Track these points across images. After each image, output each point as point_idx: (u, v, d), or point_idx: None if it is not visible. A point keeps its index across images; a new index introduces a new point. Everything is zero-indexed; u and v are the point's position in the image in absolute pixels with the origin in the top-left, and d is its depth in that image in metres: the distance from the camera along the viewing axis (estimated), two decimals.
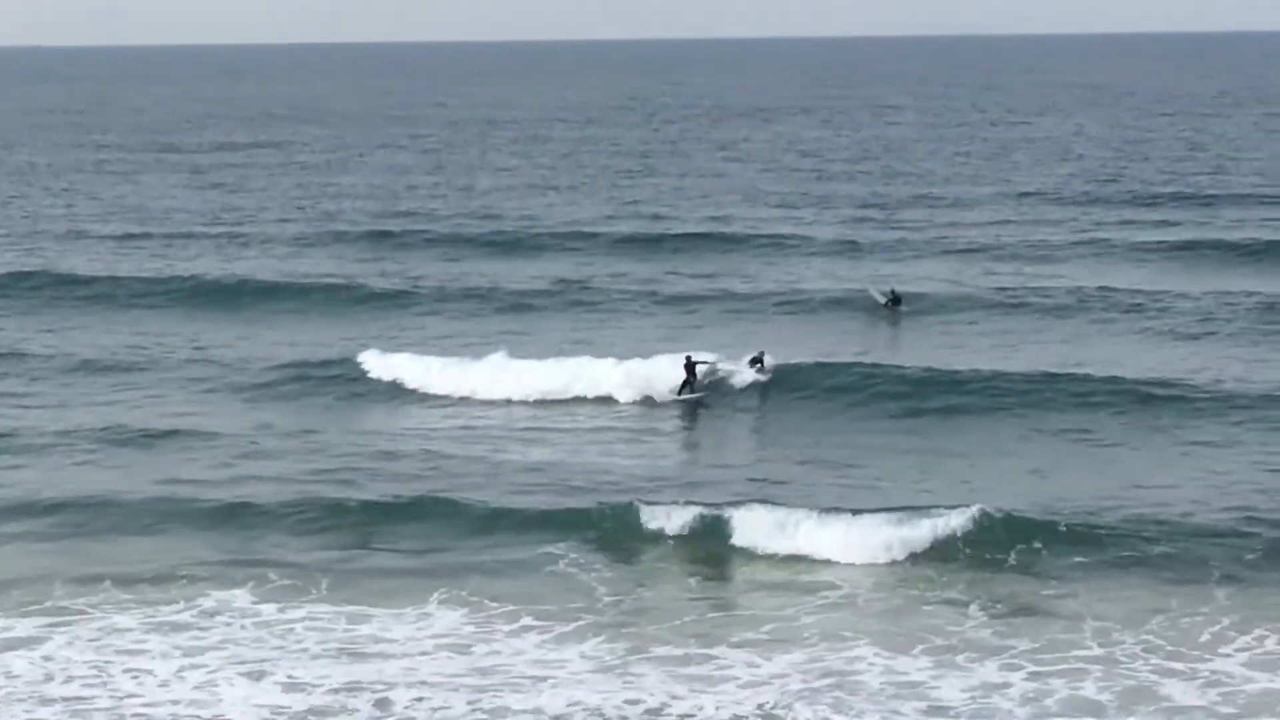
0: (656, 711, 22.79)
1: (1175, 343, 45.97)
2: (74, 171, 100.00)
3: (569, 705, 22.97)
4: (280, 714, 22.97)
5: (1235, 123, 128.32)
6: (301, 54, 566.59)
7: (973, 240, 64.64)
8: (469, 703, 23.17)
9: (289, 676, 24.11)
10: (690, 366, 40.62)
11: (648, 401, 40.39)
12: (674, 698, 23.26)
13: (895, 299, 51.93)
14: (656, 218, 72.75)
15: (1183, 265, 58.60)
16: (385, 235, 68.33)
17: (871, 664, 24.45)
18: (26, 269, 59.40)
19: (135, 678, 24.34)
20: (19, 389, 42.86)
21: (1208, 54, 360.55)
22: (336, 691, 23.48)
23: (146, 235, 69.61)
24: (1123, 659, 24.57)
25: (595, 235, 67.06)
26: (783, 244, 64.64)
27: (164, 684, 24.11)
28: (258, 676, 24.19)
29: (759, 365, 41.78)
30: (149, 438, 37.30)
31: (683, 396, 40.32)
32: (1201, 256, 59.99)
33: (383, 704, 23.15)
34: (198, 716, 23.02)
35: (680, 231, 67.65)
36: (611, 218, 73.28)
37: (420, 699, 23.30)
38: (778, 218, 72.64)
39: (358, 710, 22.97)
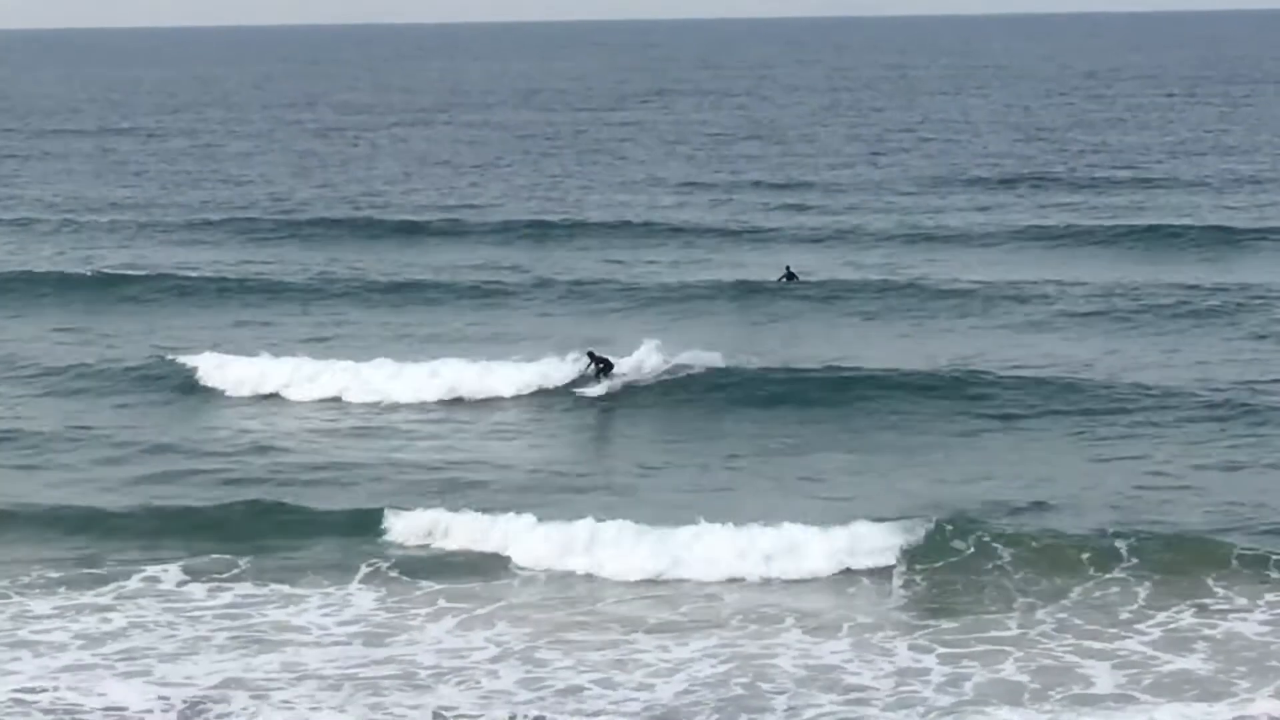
0: None
1: (1075, 332, 46.24)
2: None
3: None
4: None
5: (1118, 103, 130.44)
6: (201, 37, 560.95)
7: (860, 226, 65.25)
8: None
9: None
10: (597, 359, 40.15)
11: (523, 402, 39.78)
12: None
13: (790, 275, 52.67)
14: (548, 203, 72.93)
15: (1079, 251, 59.21)
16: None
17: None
18: None
19: None
20: None
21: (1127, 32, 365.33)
22: None
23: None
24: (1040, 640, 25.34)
25: (483, 224, 66.95)
26: (671, 231, 64.76)
27: None
28: None
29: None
30: None
31: (595, 391, 39.64)
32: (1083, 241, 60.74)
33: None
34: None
35: (573, 219, 67.58)
36: (504, 203, 73.40)
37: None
38: (670, 205, 73.01)
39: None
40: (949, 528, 28.92)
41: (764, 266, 55.69)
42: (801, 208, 71.60)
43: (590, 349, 40.85)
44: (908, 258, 58.59)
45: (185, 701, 23.79)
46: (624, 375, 40.03)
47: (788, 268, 53.41)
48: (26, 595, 28.00)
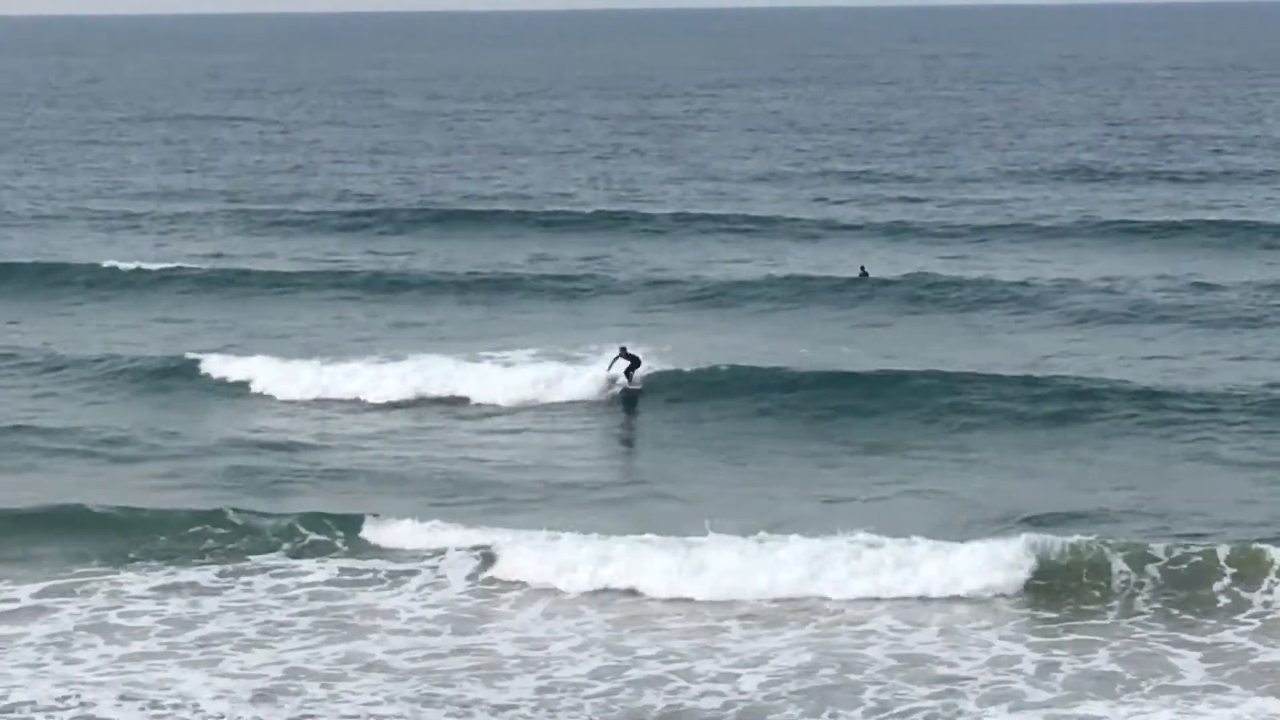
0: None
1: (1155, 331, 45.86)
2: None
3: None
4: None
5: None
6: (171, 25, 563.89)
7: (936, 219, 65.20)
8: None
9: None
10: (628, 356, 39.59)
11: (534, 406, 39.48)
12: None
13: (864, 273, 52.72)
14: (616, 199, 73.05)
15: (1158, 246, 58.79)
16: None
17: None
18: None
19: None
20: None
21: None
22: None
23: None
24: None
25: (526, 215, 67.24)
26: (746, 223, 64.77)
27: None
28: None
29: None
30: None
31: (629, 385, 39.34)
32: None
33: None
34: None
35: (644, 211, 67.67)
36: (566, 195, 73.77)
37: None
38: (743, 196, 73.03)
39: None
40: (1046, 534, 28.64)
41: (839, 262, 55.59)
42: (878, 200, 71.57)
43: (623, 344, 40.38)
44: (981, 251, 58.51)
45: (252, 692, 24.14)
46: (645, 374, 39.54)
47: (862, 266, 53.41)
48: (121, 579, 28.58)
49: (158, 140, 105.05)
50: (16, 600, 27.78)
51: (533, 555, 28.29)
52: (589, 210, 68.19)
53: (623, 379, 39.39)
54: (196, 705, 23.67)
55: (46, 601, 27.68)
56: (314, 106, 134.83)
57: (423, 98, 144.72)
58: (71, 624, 26.64)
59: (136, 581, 28.47)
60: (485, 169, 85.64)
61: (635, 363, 39.43)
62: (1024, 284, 51.18)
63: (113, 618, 26.88)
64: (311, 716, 23.41)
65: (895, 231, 63.08)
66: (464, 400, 39.77)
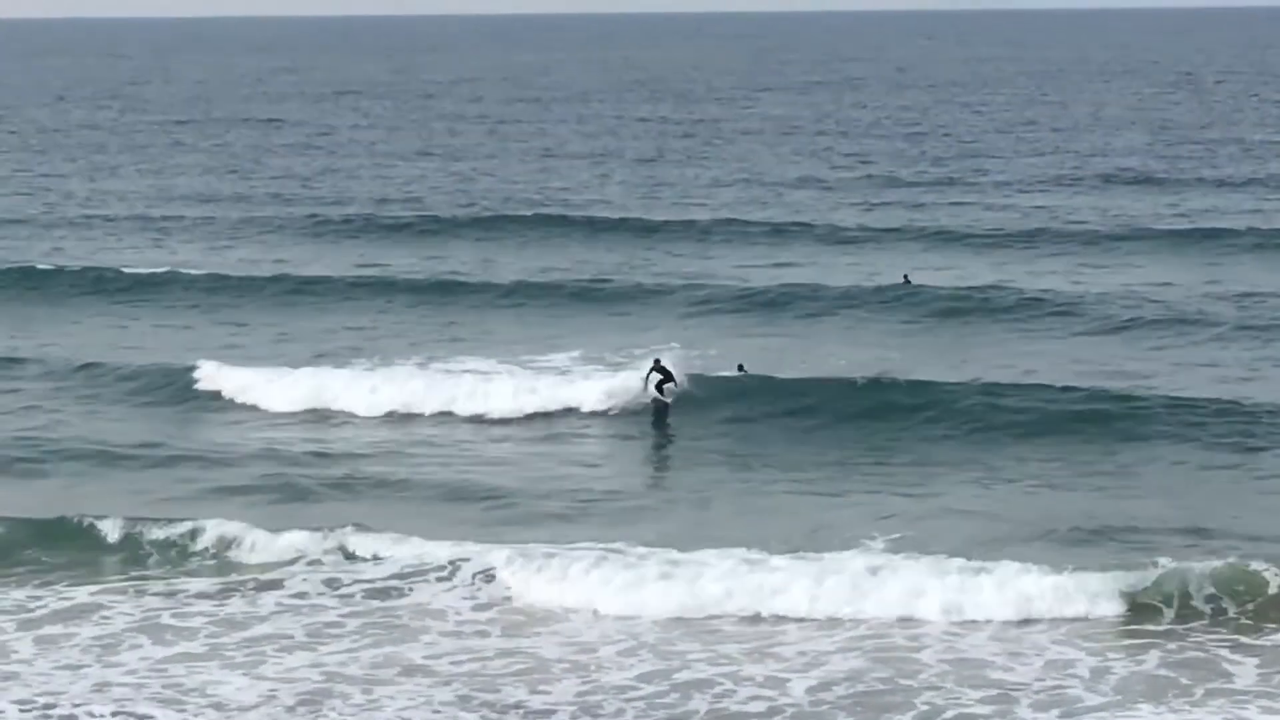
0: None
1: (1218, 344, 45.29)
2: None
3: None
4: None
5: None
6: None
7: (980, 226, 65.07)
8: None
9: None
10: (661, 369, 39.28)
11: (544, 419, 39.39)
12: None
13: (906, 280, 52.68)
14: (657, 203, 73.41)
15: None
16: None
17: None
18: None
19: None
20: None
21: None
22: None
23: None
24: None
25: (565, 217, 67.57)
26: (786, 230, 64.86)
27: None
28: None
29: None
30: None
31: (659, 398, 39.06)
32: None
33: None
34: None
35: (679, 217, 67.74)
36: (604, 201, 74.13)
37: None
38: (780, 202, 73.28)
39: None
40: (1117, 555, 28.51)
41: (883, 269, 55.54)
42: (921, 205, 71.69)
43: (657, 357, 40.01)
44: (1026, 259, 58.44)
45: (296, 696, 24.31)
46: (675, 389, 39.20)
47: (905, 275, 53.32)
48: (178, 578, 29.03)
49: (189, 144, 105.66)
50: (72, 598, 28.14)
51: (589, 571, 28.16)
52: (630, 215, 68.41)
53: (653, 390, 39.06)
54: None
55: (103, 599, 28.04)
56: (340, 110, 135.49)
57: (466, 100, 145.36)
58: (122, 625, 27.00)
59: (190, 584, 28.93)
60: (526, 172, 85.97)
61: (668, 377, 39.15)
62: (1071, 291, 51.09)
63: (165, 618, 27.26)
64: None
65: (938, 237, 63.08)
66: (487, 412, 39.68)
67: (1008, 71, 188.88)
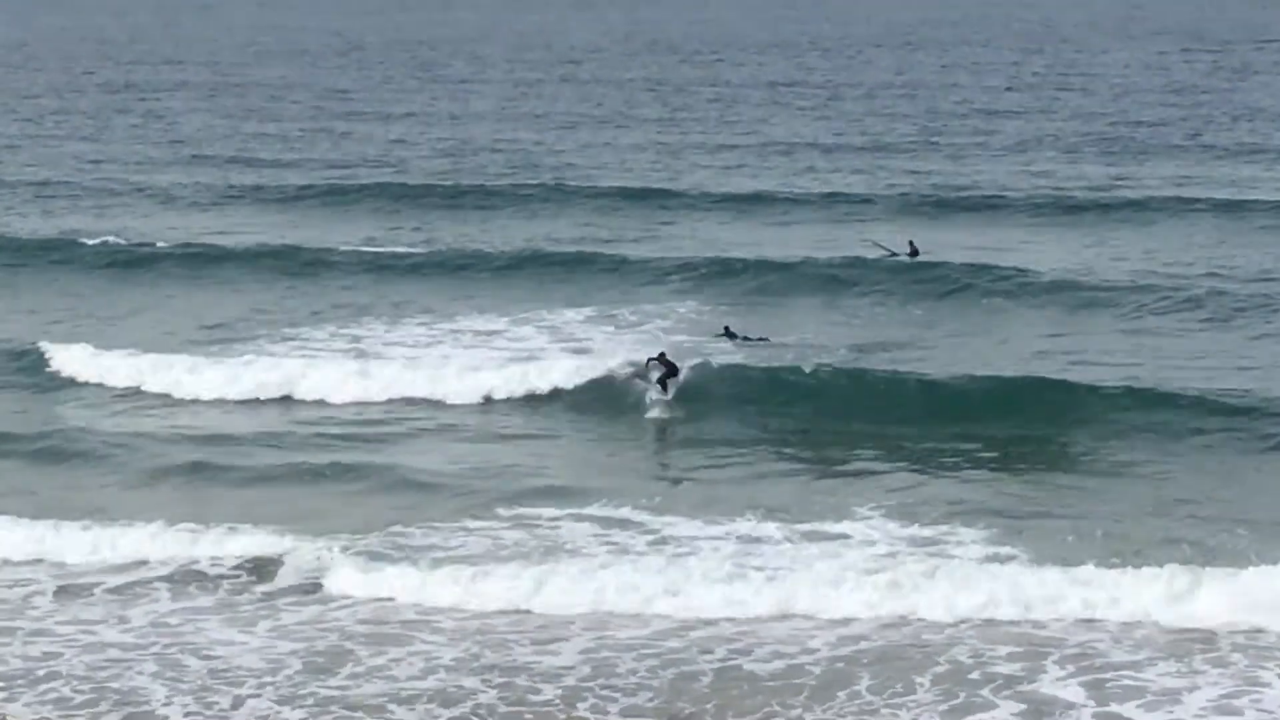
0: None
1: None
2: None
3: None
4: None
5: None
6: None
7: (995, 194, 64.62)
8: None
9: None
10: (666, 363, 38.20)
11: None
12: None
13: (914, 251, 52.34)
14: (661, 173, 73.19)
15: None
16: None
17: None
18: None
19: None
20: None
21: None
22: None
23: None
24: None
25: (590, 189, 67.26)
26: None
27: None
28: None
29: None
30: None
31: (656, 405, 37.77)
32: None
33: None
34: None
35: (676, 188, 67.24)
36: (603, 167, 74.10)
37: None
38: (779, 169, 73.07)
39: None
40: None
41: (885, 239, 54.82)
42: (926, 172, 71.11)
43: (661, 351, 39.00)
44: (1033, 233, 58.02)
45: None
46: (678, 382, 38.01)
47: (910, 242, 52.80)
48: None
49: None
50: None
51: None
52: (637, 185, 68.00)
53: (655, 387, 37.84)
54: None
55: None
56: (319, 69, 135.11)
57: (466, 61, 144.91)
58: None
59: None
60: (532, 138, 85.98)
61: (673, 371, 37.99)
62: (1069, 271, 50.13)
63: None
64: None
65: (941, 206, 62.64)
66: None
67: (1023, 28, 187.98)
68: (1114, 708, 22.95)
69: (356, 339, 44.00)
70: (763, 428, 36.64)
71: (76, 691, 23.92)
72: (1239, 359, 40.86)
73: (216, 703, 23.51)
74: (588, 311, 46.34)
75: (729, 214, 62.31)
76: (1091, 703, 23.09)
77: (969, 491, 31.99)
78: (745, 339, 42.38)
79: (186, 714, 23.23)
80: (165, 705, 23.44)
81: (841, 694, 23.37)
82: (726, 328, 42.81)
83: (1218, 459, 33.85)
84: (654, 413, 37.48)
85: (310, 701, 23.53)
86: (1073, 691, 23.38)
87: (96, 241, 56.46)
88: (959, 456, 34.36)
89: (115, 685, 24.11)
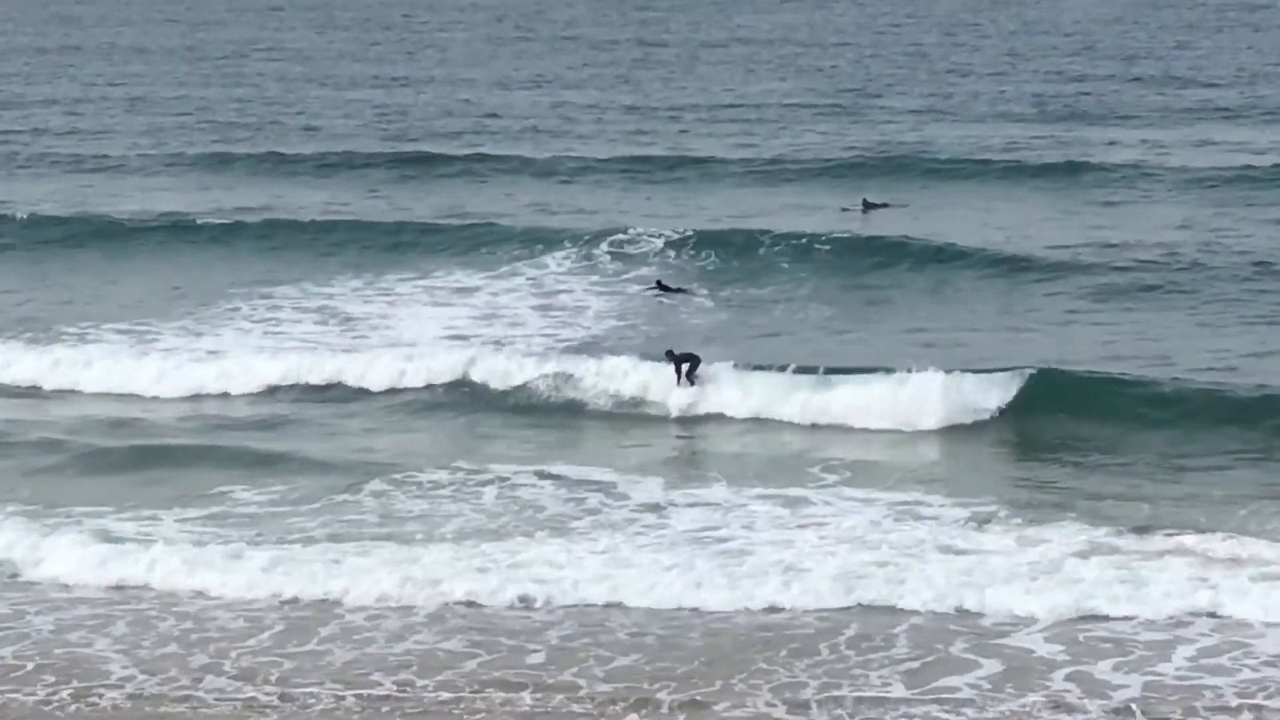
0: None
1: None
2: None
3: None
4: None
5: None
6: None
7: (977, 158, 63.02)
8: None
9: None
10: (677, 359, 37.41)
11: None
12: None
13: (868, 205, 52.19)
14: (632, 138, 71.83)
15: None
16: None
17: None
18: None
19: None
20: None
21: None
22: None
23: None
24: None
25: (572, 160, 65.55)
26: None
27: None
28: None
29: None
30: None
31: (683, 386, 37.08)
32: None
33: None
34: None
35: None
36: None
37: None
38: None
39: None
40: None
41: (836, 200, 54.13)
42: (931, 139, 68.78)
43: (669, 348, 37.99)
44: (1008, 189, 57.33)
45: None
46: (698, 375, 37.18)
47: (864, 199, 52.68)
48: None
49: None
50: None
51: None
52: (603, 156, 65.83)
53: (684, 381, 36.82)
54: None
55: None
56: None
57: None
58: None
59: None
60: (473, 101, 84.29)
61: (695, 362, 37.20)
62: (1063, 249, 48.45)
63: None
64: None
65: (903, 167, 61.03)
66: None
67: None
68: None
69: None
70: None
71: None
72: None
73: None
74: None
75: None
76: None
77: None
78: (677, 290, 44.23)
79: None
80: None
81: None
82: (659, 281, 44.87)
83: None
84: (680, 399, 36.91)
85: None
86: None
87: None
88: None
89: None
